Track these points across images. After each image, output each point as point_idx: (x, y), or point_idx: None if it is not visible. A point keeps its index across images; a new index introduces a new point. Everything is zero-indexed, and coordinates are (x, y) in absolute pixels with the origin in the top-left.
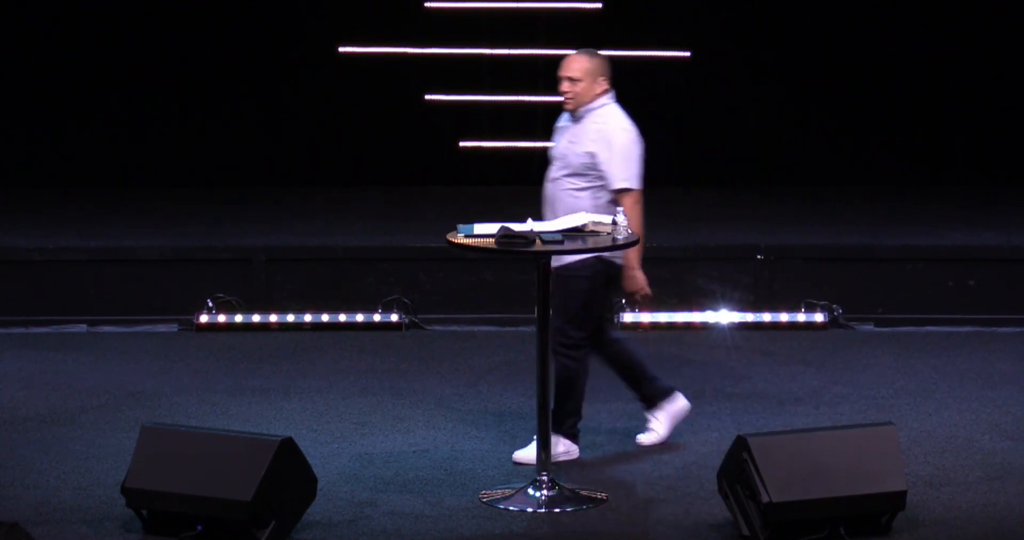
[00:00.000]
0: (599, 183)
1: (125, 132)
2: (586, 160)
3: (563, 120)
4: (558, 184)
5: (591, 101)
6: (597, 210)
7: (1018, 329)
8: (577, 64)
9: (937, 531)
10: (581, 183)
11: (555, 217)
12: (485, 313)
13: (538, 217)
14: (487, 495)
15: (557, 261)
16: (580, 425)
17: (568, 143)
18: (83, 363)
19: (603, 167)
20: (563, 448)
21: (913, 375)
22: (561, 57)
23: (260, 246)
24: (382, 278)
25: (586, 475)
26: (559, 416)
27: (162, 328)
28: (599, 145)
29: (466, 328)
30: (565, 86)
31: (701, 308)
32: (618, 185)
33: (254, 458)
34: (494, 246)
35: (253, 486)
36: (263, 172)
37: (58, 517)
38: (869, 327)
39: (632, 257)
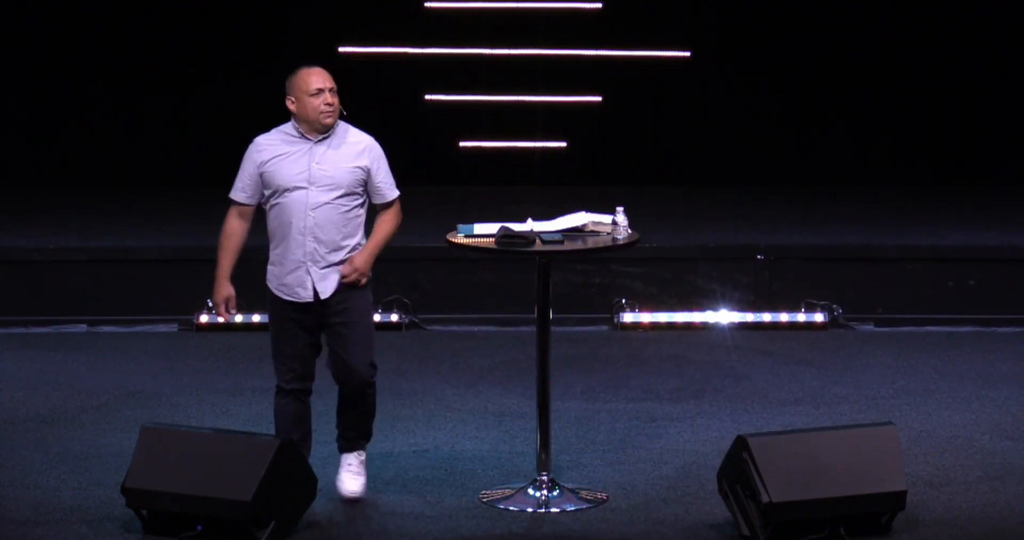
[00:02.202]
0: (363, 199)
1: (125, 132)
2: (359, 176)
3: (280, 145)
4: (328, 209)
5: None
6: (360, 225)
7: (1018, 329)
8: (329, 76)
9: (937, 531)
10: (353, 203)
11: (323, 245)
12: (485, 313)
13: (538, 217)
14: (487, 495)
15: (338, 297)
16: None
17: (319, 165)
18: (83, 363)
19: (378, 180)
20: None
21: (913, 375)
22: (562, 57)
23: (260, 246)
24: (382, 278)
25: (586, 475)
26: (368, 432)
27: (162, 328)
28: (369, 159)
29: (466, 328)
30: (329, 98)
31: (701, 308)
32: (395, 194)
33: (254, 458)
34: (494, 246)
35: (253, 486)
36: None
37: (58, 517)
38: (869, 327)
39: (372, 249)
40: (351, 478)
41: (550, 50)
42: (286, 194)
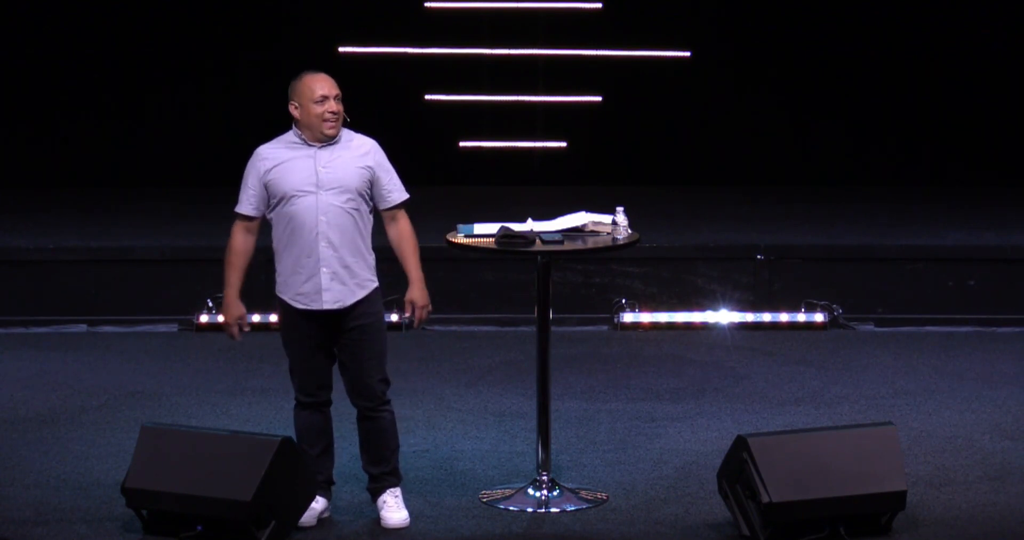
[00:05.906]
0: (370, 204)
1: (125, 132)
2: (367, 176)
3: (283, 152)
4: (339, 212)
5: None
6: (369, 231)
7: (1018, 329)
8: (335, 83)
9: (937, 531)
10: (362, 206)
11: (337, 250)
12: (485, 313)
13: (538, 217)
14: (487, 495)
15: (356, 309)
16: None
17: (325, 169)
18: (83, 363)
19: (386, 180)
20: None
21: (913, 375)
22: (562, 57)
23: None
24: (382, 278)
25: (586, 475)
26: (396, 470)
27: (162, 328)
28: (374, 161)
29: (466, 328)
30: (334, 106)
31: (701, 308)
32: (406, 195)
33: (254, 458)
34: (494, 246)
35: (253, 486)
36: None
37: (58, 517)
38: (869, 327)
39: (420, 277)
40: (392, 513)
41: (550, 50)
42: (293, 201)
